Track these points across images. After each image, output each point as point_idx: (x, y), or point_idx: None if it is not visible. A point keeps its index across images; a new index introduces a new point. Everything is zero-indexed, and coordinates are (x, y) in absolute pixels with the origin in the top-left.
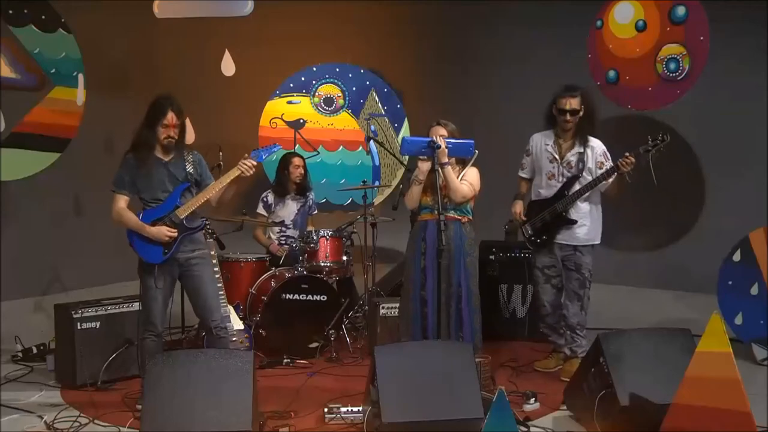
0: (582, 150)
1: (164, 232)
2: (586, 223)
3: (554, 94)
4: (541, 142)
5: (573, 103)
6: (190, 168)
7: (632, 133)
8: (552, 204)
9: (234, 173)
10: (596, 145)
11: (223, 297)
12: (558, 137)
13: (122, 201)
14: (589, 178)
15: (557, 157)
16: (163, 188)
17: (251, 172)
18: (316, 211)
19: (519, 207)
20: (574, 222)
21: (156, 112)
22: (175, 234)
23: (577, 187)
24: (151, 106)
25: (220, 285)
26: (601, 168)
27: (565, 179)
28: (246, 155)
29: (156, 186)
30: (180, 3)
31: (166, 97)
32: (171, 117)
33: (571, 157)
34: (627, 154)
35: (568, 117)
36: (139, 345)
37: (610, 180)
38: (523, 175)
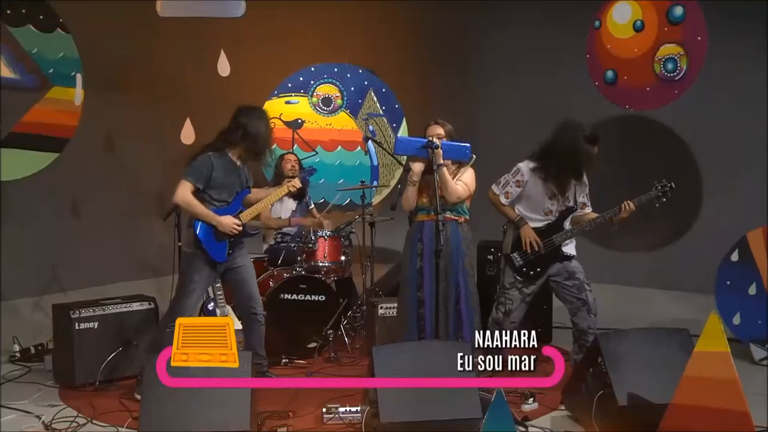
0: (577, 183)
1: (232, 222)
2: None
3: (586, 140)
4: (537, 177)
5: None
6: (249, 176)
7: (631, 134)
8: (549, 236)
9: (284, 191)
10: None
11: (221, 297)
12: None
13: (190, 188)
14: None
15: (557, 193)
16: (231, 191)
17: (295, 189)
18: (312, 206)
19: (533, 232)
20: (573, 257)
21: (267, 122)
22: (241, 228)
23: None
24: (254, 114)
25: None
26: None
27: (559, 213)
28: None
29: (229, 187)
30: (182, 2)
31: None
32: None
33: (569, 192)
34: (630, 202)
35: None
36: (158, 335)
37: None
38: (507, 203)
